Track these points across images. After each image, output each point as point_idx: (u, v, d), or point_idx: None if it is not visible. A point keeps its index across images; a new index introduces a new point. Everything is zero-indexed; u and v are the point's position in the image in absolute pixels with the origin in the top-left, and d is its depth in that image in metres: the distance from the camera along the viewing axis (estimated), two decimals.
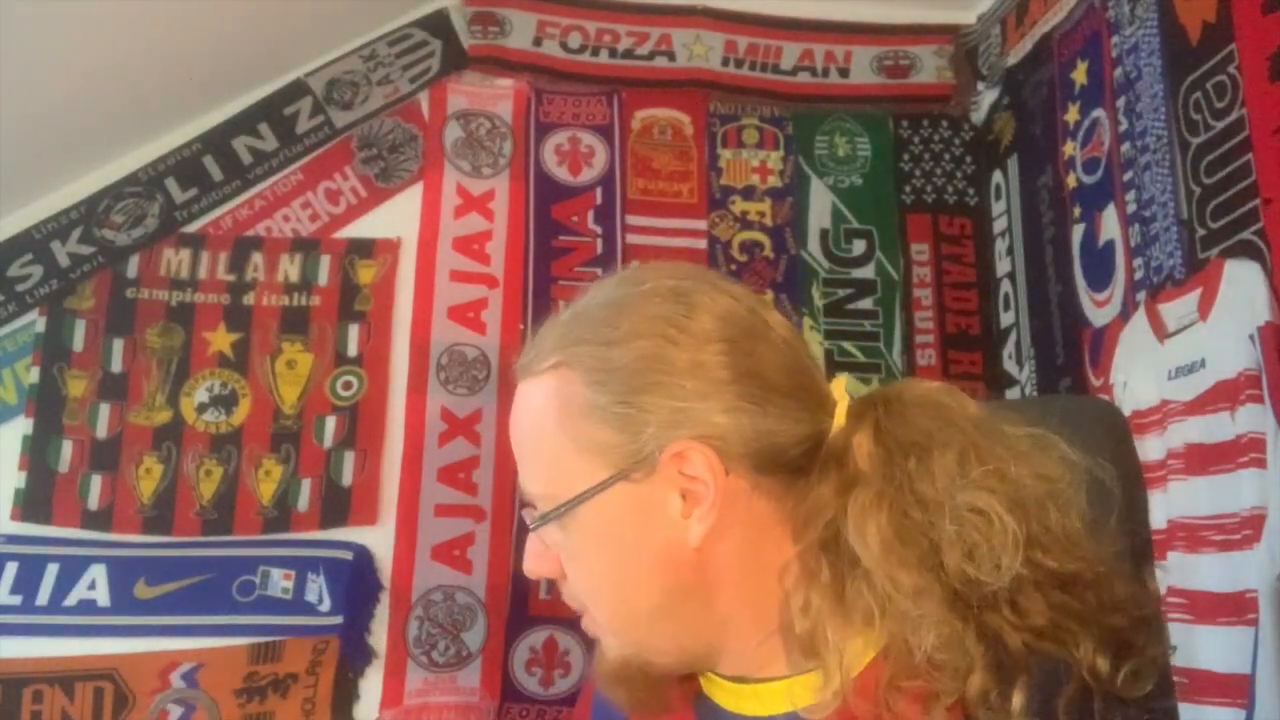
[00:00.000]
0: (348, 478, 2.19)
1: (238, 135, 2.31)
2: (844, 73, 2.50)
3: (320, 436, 2.20)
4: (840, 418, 0.73)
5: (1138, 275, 1.82)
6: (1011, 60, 2.33)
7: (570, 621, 2.14)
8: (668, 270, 0.77)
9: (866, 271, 2.39)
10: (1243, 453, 1.48)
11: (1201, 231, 1.65)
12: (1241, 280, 1.53)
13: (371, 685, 2.10)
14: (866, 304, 2.37)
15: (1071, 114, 2.07)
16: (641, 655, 0.73)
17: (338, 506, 2.17)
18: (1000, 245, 2.36)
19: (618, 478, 0.70)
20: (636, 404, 0.69)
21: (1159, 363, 1.69)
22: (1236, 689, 1.42)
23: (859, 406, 0.74)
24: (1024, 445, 0.70)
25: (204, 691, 2.04)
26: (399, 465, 2.20)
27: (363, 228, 2.33)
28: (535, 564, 0.76)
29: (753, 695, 0.74)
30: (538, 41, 2.44)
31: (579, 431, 0.71)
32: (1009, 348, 2.28)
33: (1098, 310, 1.95)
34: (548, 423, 0.72)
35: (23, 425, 2.14)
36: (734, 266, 2.37)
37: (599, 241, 2.36)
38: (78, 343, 2.19)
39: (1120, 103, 1.90)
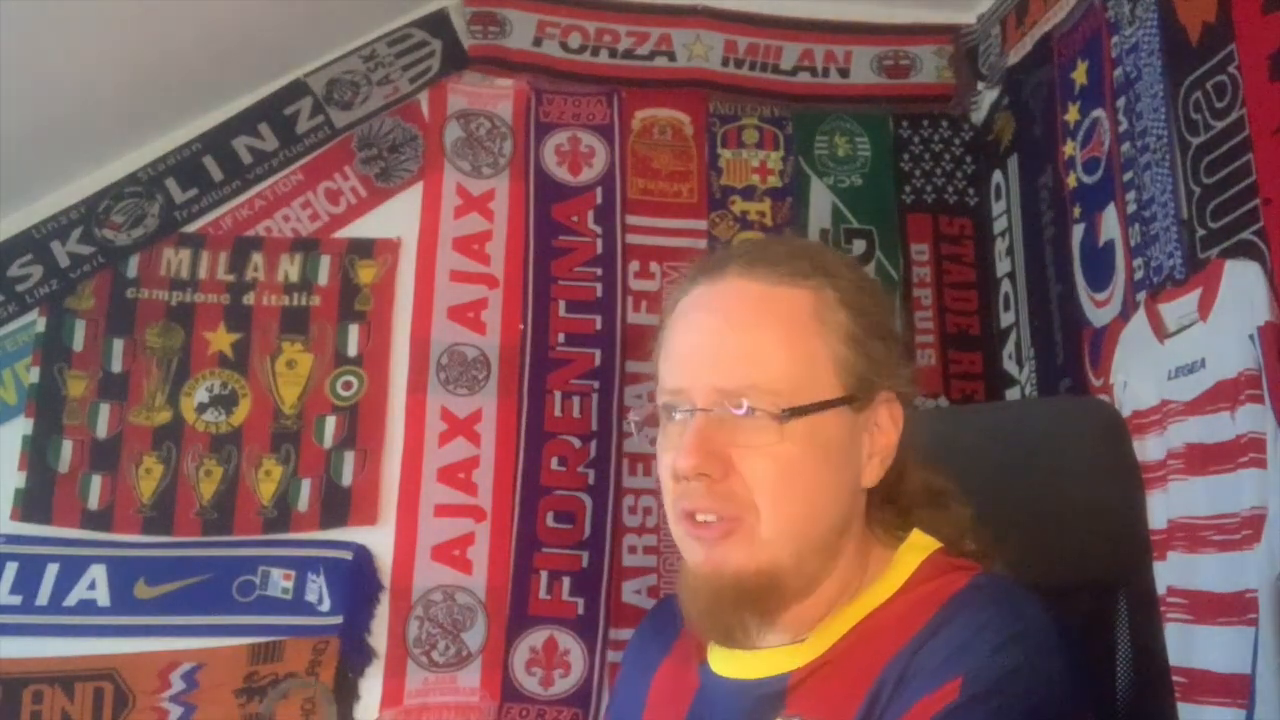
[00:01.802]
0: (348, 478, 2.19)
1: (238, 135, 2.31)
2: (844, 73, 2.50)
3: (320, 436, 2.20)
4: None
5: (1138, 275, 1.82)
6: (1011, 60, 2.33)
7: (570, 622, 2.17)
8: None
9: (866, 272, 2.39)
10: (1243, 453, 1.48)
11: (1201, 231, 1.65)
12: (1241, 280, 1.53)
13: (371, 685, 2.10)
14: None
15: (1071, 114, 2.07)
16: (785, 574, 0.75)
17: (338, 506, 2.17)
18: (1000, 245, 2.36)
19: (847, 400, 0.76)
20: (876, 346, 0.78)
21: (1159, 363, 1.69)
22: (1236, 689, 1.42)
23: None
24: None
25: (204, 691, 2.04)
26: (399, 465, 2.20)
27: (363, 228, 2.33)
28: (705, 457, 0.74)
29: (749, 660, 0.78)
30: (538, 41, 2.44)
31: (833, 348, 0.76)
32: (1009, 348, 2.28)
33: (1098, 310, 1.95)
34: (809, 328, 0.76)
35: (23, 425, 2.14)
36: None
37: (599, 241, 2.36)
38: (78, 343, 2.19)
39: (1120, 103, 1.90)
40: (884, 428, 0.79)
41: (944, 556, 0.79)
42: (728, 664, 0.80)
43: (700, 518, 0.76)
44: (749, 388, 0.74)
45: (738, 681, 0.79)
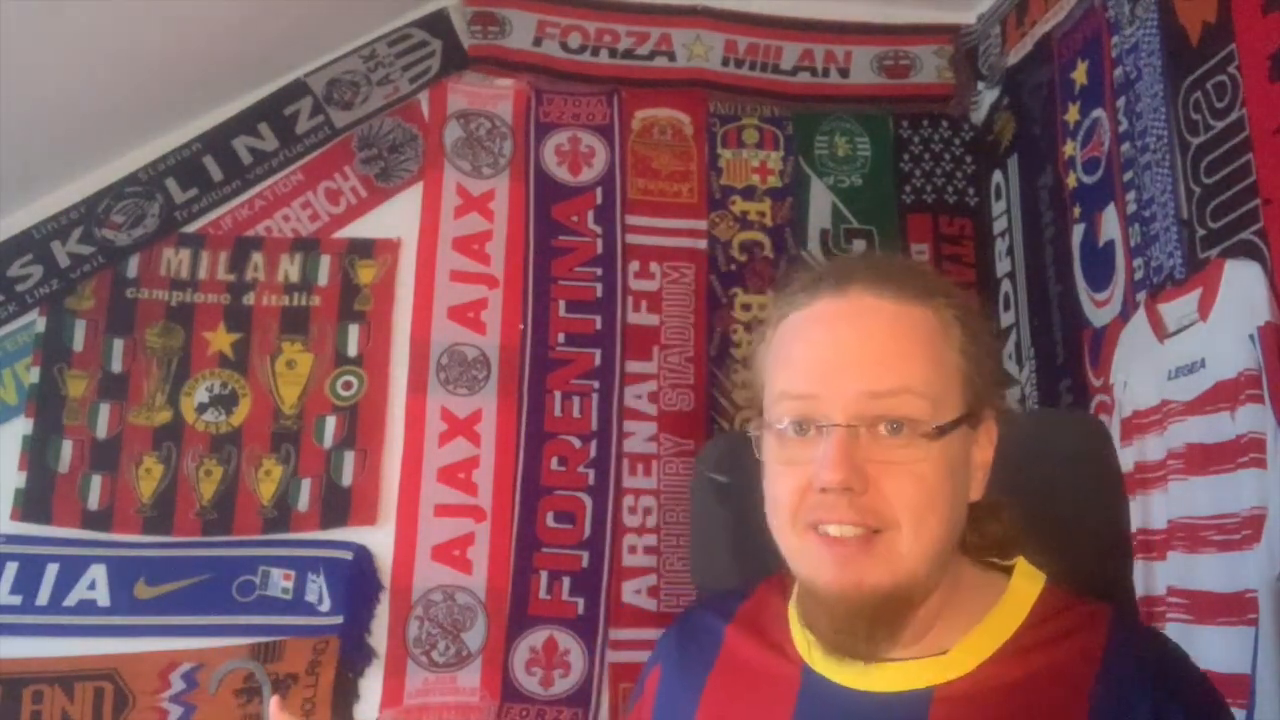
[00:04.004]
0: (348, 478, 2.19)
1: (238, 135, 2.31)
2: (844, 73, 2.50)
3: (320, 436, 2.20)
4: None
5: (1138, 275, 1.82)
6: (1011, 60, 2.33)
7: (570, 622, 2.17)
8: None
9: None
10: (1243, 453, 1.48)
11: (1201, 231, 1.65)
12: (1241, 280, 1.53)
13: (371, 685, 2.11)
14: None
15: (1071, 114, 2.07)
16: (918, 588, 0.76)
17: (338, 506, 2.17)
18: (1000, 245, 2.36)
19: (970, 417, 0.78)
20: (986, 364, 0.80)
21: (1159, 363, 1.69)
22: (1236, 689, 1.42)
23: None
24: None
25: (204, 691, 2.04)
26: (399, 465, 2.20)
27: (363, 228, 2.33)
28: (850, 471, 0.74)
29: (885, 673, 0.78)
30: (538, 41, 2.44)
31: (959, 364, 0.78)
32: (1009, 348, 2.28)
33: (1098, 310, 1.95)
34: (946, 344, 0.78)
35: (23, 425, 2.14)
36: (734, 266, 2.37)
37: (599, 241, 2.36)
38: (78, 343, 2.19)
39: (1120, 103, 1.90)
40: (983, 444, 0.81)
41: (1054, 586, 0.82)
42: (848, 674, 0.79)
43: (835, 531, 0.75)
44: (902, 389, 0.74)
45: (867, 693, 0.78)
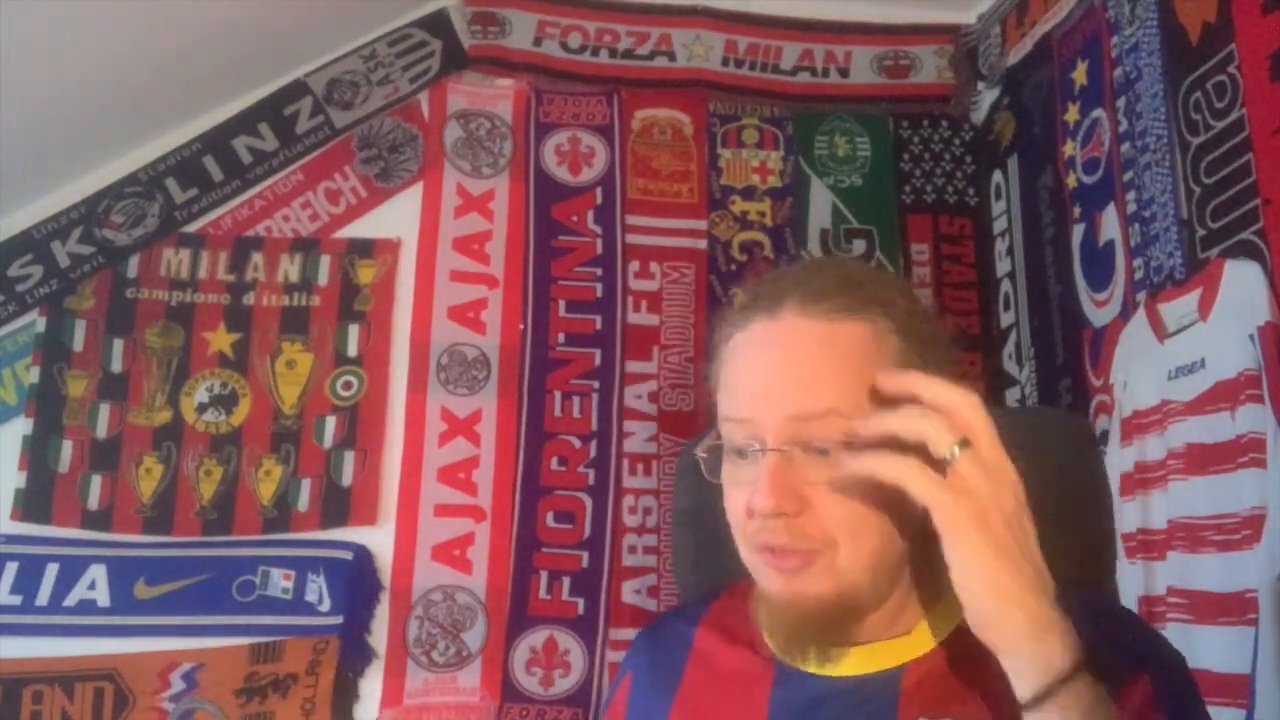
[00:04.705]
0: (348, 478, 2.19)
1: (238, 135, 2.31)
2: (844, 73, 2.50)
3: (320, 436, 2.20)
4: None
5: (1138, 275, 1.82)
6: (1011, 60, 2.33)
7: (570, 622, 2.17)
8: None
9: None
10: (1243, 453, 1.48)
11: (1201, 231, 1.65)
12: (1241, 280, 1.53)
13: (371, 685, 2.11)
14: None
15: (1071, 114, 2.07)
16: (863, 597, 0.78)
17: (338, 506, 2.17)
18: (1000, 245, 2.36)
19: None
20: (932, 370, 0.77)
21: (1159, 363, 1.69)
22: (1236, 689, 1.42)
23: None
24: None
25: (204, 691, 2.04)
26: (399, 465, 2.20)
27: (363, 228, 2.33)
28: (783, 496, 0.75)
29: (853, 656, 0.81)
30: (538, 41, 2.44)
31: None
32: (1009, 348, 2.28)
33: (1098, 310, 1.95)
34: (880, 357, 0.77)
35: (23, 425, 2.14)
36: (734, 266, 2.37)
37: (599, 241, 2.36)
38: (78, 343, 2.19)
39: (1120, 103, 1.90)
40: None
41: None
42: (819, 662, 0.82)
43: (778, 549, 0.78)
44: (828, 412, 0.75)
45: (840, 678, 0.81)
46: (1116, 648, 0.74)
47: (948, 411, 0.71)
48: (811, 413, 0.75)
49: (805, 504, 0.75)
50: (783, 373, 0.77)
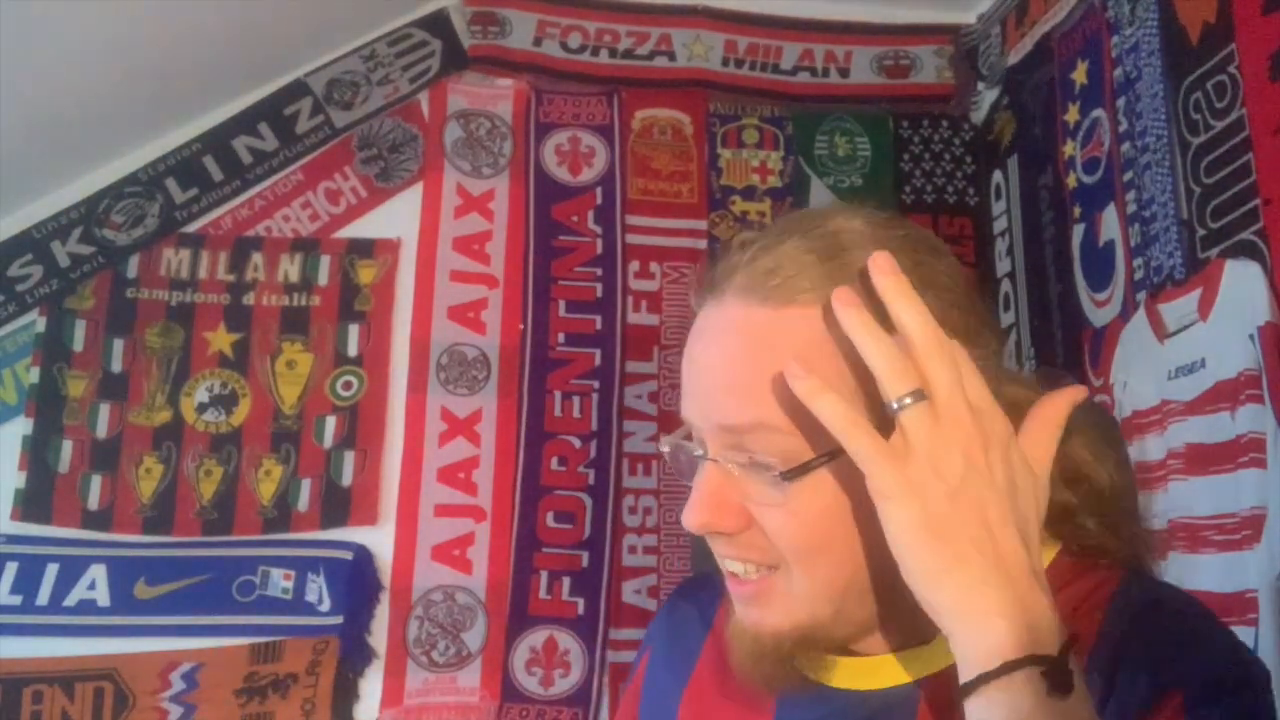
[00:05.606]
0: (348, 478, 2.19)
1: (238, 135, 2.31)
2: (844, 73, 2.50)
3: (320, 436, 2.20)
4: None
5: (1138, 275, 1.82)
6: (1011, 60, 2.33)
7: (570, 622, 2.17)
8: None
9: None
10: (1243, 453, 1.48)
11: (1201, 231, 1.65)
12: (1241, 280, 1.53)
13: (371, 685, 2.11)
14: None
15: (1071, 114, 2.07)
16: (826, 624, 0.66)
17: (338, 506, 2.17)
18: (1000, 245, 2.36)
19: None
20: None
21: (1159, 363, 1.69)
22: None
23: None
24: None
25: (204, 691, 2.04)
26: (399, 465, 2.20)
27: (363, 228, 2.33)
28: (714, 513, 0.64)
29: (863, 668, 0.70)
30: (538, 41, 2.44)
31: (845, 375, 0.61)
32: (1009, 348, 2.28)
33: (1098, 310, 1.95)
34: (835, 352, 0.61)
35: (23, 425, 2.14)
36: None
37: (599, 241, 2.36)
38: (78, 343, 2.19)
39: (1120, 103, 1.90)
40: None
41: (1069, 556, 0.69)
42: (830, 672, 0.71)
43: (732, 567, 0.67)
44: (756, 425, 0.62)
45: (852, 692, 0.70)
46: (1151, 658, 0.61)
47: (911, 348, 0.56)
48: (737, 425, 0.62)
49: (747, 521, 0.64)
50: (714, 372, 0.64)
